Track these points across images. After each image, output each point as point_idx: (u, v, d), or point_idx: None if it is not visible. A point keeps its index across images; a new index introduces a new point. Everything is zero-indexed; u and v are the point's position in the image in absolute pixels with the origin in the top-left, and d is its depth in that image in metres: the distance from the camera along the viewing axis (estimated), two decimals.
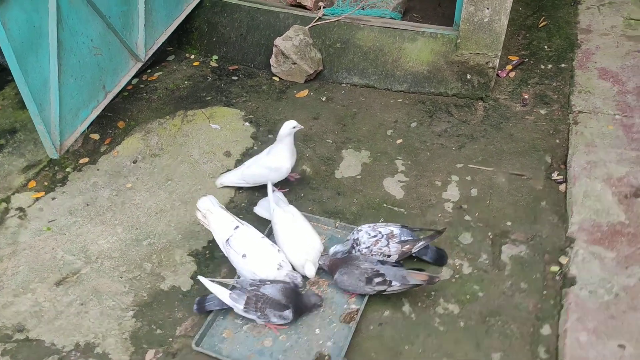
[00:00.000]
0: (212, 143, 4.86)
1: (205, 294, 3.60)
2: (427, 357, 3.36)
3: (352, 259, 3.62)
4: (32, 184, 4.54)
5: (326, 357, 3.39)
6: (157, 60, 5.78)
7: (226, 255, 3.74)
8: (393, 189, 4.38)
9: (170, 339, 3.53)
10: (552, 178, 4.34)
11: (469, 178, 4.40)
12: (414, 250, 3.72)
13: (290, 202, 4.10)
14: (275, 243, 3.81)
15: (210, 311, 3.57)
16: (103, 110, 4.95)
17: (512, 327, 3.46)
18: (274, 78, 5.51)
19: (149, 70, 5.72)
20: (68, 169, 4.65)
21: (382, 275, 3.51)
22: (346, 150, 4.72)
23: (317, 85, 5.40)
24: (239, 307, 3.44)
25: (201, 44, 5.86)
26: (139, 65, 5.10)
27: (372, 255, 3.67)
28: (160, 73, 5.69)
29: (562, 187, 4.26)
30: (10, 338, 3.51)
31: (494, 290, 3.66)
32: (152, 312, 3.66)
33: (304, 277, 3.69)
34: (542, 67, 5.38)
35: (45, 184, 4.54)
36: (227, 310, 3.65)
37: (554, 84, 5.17)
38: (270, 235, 3.95)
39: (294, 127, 4.09)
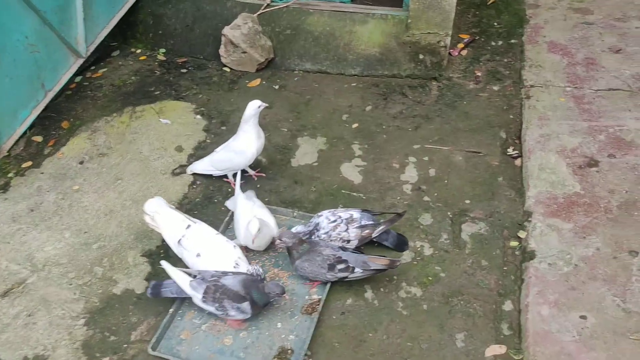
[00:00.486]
0: (162, 138, 4.69)
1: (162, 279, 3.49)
2: (391, 343, 3.29)
3: (313, 245, 3.53)
4: None
5: (289, 351, 3.29)
6: (101, 56, 5.57)
7: (179, 256, 3.61)
8: (351, 174, 4.30)
9: (125, 346, 3.38)
10: (508, 153, 4.33)
11: (426, 158, 4.35)
12: (374, 235, 3.65)
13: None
14: (235, 236, 3.70)
15: (164, 297, 3.46)
16: (45, 110, 4.73)
17: (475, 306, 3.43)
18: (225, 69, 5.36)
19: (93, 67, 5.49)
20: (10, 174, 4.41)
21: (345, 261, 3.43)
22: (302, 138, 4.62)
23: (269, 74, 5.27)
24: (197, 297, 3.31)
25: (147, 38, 5.66)
26: (80, 61, 4.88)
27: (331, 240, 3.58)
28: (105, 69, 5.47)
29: (517, 162, 4.25)
30: None
31: (455, 270, 3.62)
32: (105, 319, 3.50)
33: (261, 271, 3.57)
34: (493, 43, 5.36)
35: None
36: (184, 310, 3.52)
37: (505, 60, 5.16)
38: (227, 230, 3.82)
39: (259, 107, 3.96)
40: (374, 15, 5.12)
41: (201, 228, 3.63)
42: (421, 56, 5.01)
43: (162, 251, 3.88)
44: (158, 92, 5.14)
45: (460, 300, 3.46)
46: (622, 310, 3.17)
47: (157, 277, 3.72)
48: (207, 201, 4.16)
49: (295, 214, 3.99)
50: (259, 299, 3.31)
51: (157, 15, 5.57)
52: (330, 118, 4.76)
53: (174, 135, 4.71)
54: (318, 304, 3.48)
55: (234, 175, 4.11)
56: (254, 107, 3.96)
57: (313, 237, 3.63)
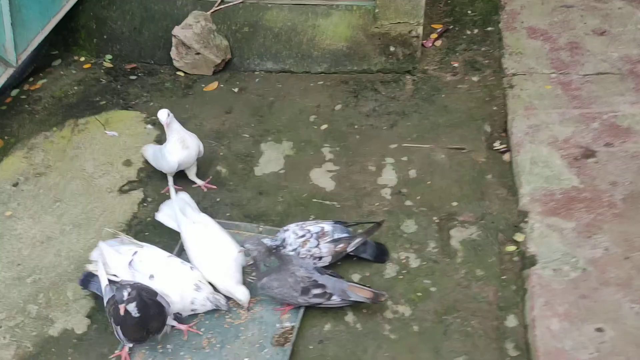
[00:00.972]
0: (109, 152, 4.16)
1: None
2: None
3: (285, 262, 3.03)
4: None
5: None
6: (40, 66, 5.00)
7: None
8: (322, 180, 3.82)
9: None
10: (494, 148, 3.90)
11: (405, 158, 3.90)
12: (349, 249, 3.17)
13: (204, 210, 3.46)
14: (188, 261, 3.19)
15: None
16: None
17: (473, 323, 2.97)
18: (178, 73, 4.85)
19: (31, 79, 4.92)
20: None
21: (322, 286, 2.95)
22: (265, 144, 4.13)
23: (227, 76, 4.78)
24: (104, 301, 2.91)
25: (90, 44, 5.11)
26: (11, 71, 4.31)
27: (300, 258, 3.09)
28: (45, 80, 4.91)
29: (506, 157, 3.82)
30: None
31: (447, 283, 3.16)
32: None
33: (227, 298, 3.06)
34: (469, 32, 4.95)
35: None
36: (133, 350, 2.98)
37: (483, 49, 4.75)
38: (183, 252, 3.31)
39: (168, 116, 3.52)
40: (338, 6, 4.68)
41: (151, 251, 3.12)
42: (392, 48, 4.57)
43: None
44: (104, 102, 4.61)
45: (456, 318, 3.00)
46: None
47: (102, 312, 3.17)
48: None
49: (261, 228, 3.49)
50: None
51: (100, 18, 5.04)
52: (297, 120, 4.29)
53: (122, 149, 4.17)
54: (291, 333, 2.98)
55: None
56: (161, 117, 3.53)
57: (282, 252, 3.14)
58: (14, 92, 4.78)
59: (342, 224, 3.26)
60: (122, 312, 2.67)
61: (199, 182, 3.80)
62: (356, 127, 4.19)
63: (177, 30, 4.66)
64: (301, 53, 4.71)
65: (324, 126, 4.22)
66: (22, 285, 3.35)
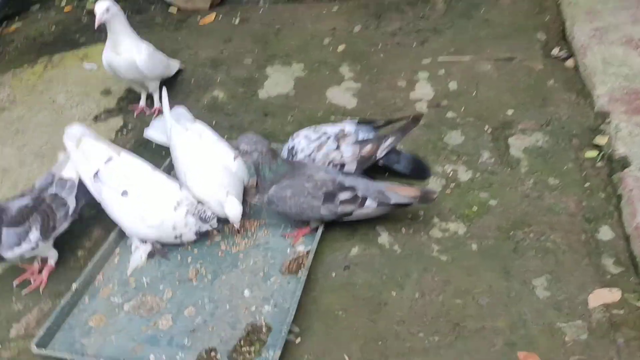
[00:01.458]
0: (85, 84, 3.49)
1: None
2: (429, 302, 2.04)
3: (297, 166, 2.29)
4: None
5: (263, 330, 2.00)
6: (16, 11, 4.41)
7: (97, 199, 2.35)
8: (341, 98, 3.11)
9: (0, 346, 2.08)
10: (553, 55, 3.18)
11: (442, 72, 3.18)
12: (379, 154, 2.43)
13: None
14: (176, 176, 2.48)
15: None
16: None
17: (553, 238, 2.19)
18: (171, 10, 4.21)
19: (5, 23, 4.32)
20: None
21: (351, 189, 2.20)
22: (271, 67, 3.44)
23: (226, 9, 4.13)
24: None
25: None
26: None
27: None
28: (20, 24, 4.30)
29: (569, 63, 3.09)
30: None
31: (511, 195, 2.40)
32: None
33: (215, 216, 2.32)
34: None
35: None
36: (97, 285, 2.24)
37: None
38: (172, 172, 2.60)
39: (107, 11, 2.81)
40: None
41: (130, 160, 2.39)
42: None
43: None
44: (84, 39, 3.98)
45: (528, 234, 2.22)
46: None
47: (60, 245, 2.44)
48: (141, 148, 2.93)
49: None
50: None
51: None
52: (308, 44, 3.61)
53: (100, 80, 3.51)
54: (306, 257, 2.21)
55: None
56: (97, 10, 2.81)
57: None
58: None
59: (367, 123, 2.53)
60: None
61: (156, 104, 3.15)
62: (379, 46, 3.49)
63: None
64: None
65: (341, 47, 3.53)
66: None
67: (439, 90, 3.05)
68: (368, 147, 2.41)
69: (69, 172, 2.38)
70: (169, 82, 3.36)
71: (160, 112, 3.12)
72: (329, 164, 2.39)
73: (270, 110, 3.10)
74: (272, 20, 3.93)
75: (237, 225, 2.29)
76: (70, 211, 2.32)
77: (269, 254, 2.28)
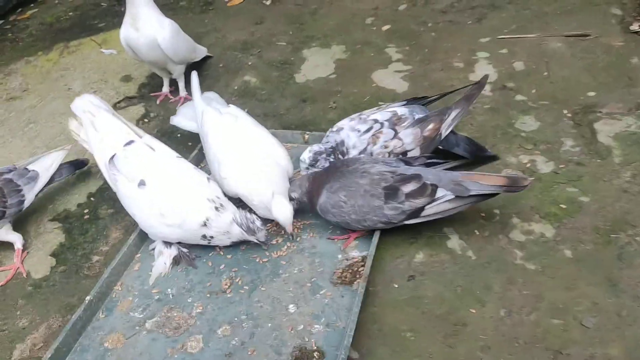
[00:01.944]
0: (103, 70, 3.18)
1: None
2: (518, 322, 1.65)
3: (347, 163, 1.92)
4: None
5: (315, 355, 1.63)
6: None
7: (112, 187, 2.02)
8: (390, 81, 2.74)
9: None
10: (633, 30, 2.75)
11: (504, 51, 2.78)
12: (444, 131, 2.05)
13: None
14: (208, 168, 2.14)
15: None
16: None
17: None
18: None
19: (20, 10, 4.04)
20: None
21: (416, 177, 1.83)
22: (309, 50, 3.08)
23: None
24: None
25: None
26: None
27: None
28: (36, 10, 4.02)
29: None
30: None
31: (606, 190, 1.99)
32: None
33: (264, 220, 1.95)
34: None
35: None
36: (115, 297, 1.90)
37: None
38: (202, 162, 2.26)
39: None
40: None
41: (153, 145, 2.05)
42: None
43: (86, 211, 2.29)
44: (103, 24, 3.68)
45: (634, 236, 1.82)
46: None
47: (72, 250, 2.12)
48: (164, 138, 2.59)
49: (307, 136, 2.41)
50: None
51: None
52: (349, 24, 3.24)
53: (120, 66, 3.19)
54: (362, 266, 1.84)
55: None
56: None
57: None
58: None
59: (418, 101, 2.16)
60: None
61: (182, 92, 2.80)
62: (430, 25, 3.10)
63: None
64: None
65: (386, 27, 3.15)
66: None
67: (503, 71, 2.66)
68: (430, 126, 2.03)
69: (36, 166, 2.21)
70: (195, 67, 3.02)
71: (185, 100, 2.78)
72: (389, 155, 2.02)
73: (309, 95, 2.73)
74: (306, 1, 3.56)
75: (289, 229, 1.92)
76: (26, 202, 2.12)
77: (317, 261, 1.92)
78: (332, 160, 2.07)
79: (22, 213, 2.19)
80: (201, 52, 2.98)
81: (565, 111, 2.36)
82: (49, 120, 2.84)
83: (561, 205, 1.96)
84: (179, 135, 2.62)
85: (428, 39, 2.99)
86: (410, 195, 1.80)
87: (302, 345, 1.66)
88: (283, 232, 1.99)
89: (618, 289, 1.68)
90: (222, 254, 2.00)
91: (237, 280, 1.89)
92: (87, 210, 2.29)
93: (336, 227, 2.00)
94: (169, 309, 1.83)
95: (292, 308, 1.78)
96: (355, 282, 1.81)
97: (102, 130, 2.05)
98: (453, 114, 2.02)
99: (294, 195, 1.96)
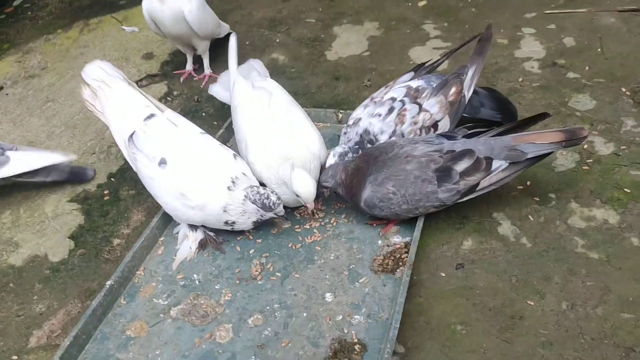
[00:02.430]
0: (124, 47, 3.05)
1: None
2: (582, 316, 1.48)
3: (385, 150, 1.75)
4: None
5: (356, 348, 1.48)
6: None
7: (133, 167, 1.88)
8: (428, 58, 2.54)
9: (15, 357, 1.63)
10: None
11: (552, 27, 2.60)
12: (467, 92, 1.90)
13: None
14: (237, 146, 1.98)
15: None
16: None
17: None
18: None
19: None
20: None
21: (469, 153, 1.66)
22: (340, 27, 2.91)
23: None
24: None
25: None
26: None
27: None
28: None
29: None
30: None
31: None
32: None
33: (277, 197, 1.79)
34: None
35: None
36: (138, 283, 1.76)
37: None
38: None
39: None
40: None
41: (175, 119, 1.90)
42: None
43: (106, 191, 2.15)
44: (124, 1, 3.56)
45: None
46: None
47: (92, 232, 1.99)
48: (189, 116, 2.43)
49: (340, 114, 2.24)
50: None
51: None
52: (382, 0, 3.05)
53: (142, 43, 3.06)
54: (406, 252, 1.68)
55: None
56: None
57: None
58: (17, 2, 3.78)
59: (422, 67, 2.01)
60: None
61: (206, 70, 2.65)
62: (469, 0, 2.91)
63: None
64: None
65: (422, 3, 2.98)
66: None
67: (552, 48, 2.47)
68: (453, 89, 1.87)
69: (23, 155, 2.09)
70: (221, 45, 2.87)
71: (210, 79, 2.64)
72: (420, 132, 1.85)
73: (342, 73, 2.57)
74: None
75: (310, 207, 1.77)
76: None
77: (355, 247, 1.76)
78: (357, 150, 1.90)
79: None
80: (225, 28, 2.83)
81: (623, 89, 2.17)
82: (68, 99, 2.72)
83: (625, 190, 1.78)
84: (203, 114, 2.48)
85: (468, 15, 2.82)
86: (464, 174, 1.64)
87: (342, 337, 1.51)
88: (305, 214, 1.82)
89: None
90: (251, 238, 1.85)
91: (268, 267, 1.74)
92: (107, 191, 2.15)
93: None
94: (196, 296, 1.69)
95: (329, 297, 1.62)
96: (398, 270, 1.65)
97: (119, 104, 1.91)
98: (470, 72, 1.88)
99: (327, 184, 1.80)
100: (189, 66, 2.74)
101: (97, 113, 2.02)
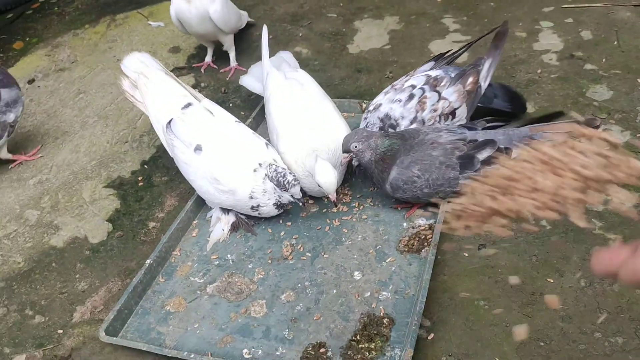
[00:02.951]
0: (151, 42, 3.15)
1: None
2: (603, 292, 1.55)
3: (413, 135, 1.83)
4: None
5: (384, 321, 1.56)
6: None
7: (170, 152, 1.98)
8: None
9: (60, 332, 1.73)
10: None
11: (570, 20, 2.66)
12: (484, 83, 2.00)
13: None
14: (268, 134, 2.08)
15: None
16: None
17: None
18: None
19: None
20: None
21: (491, 143, 1.75)
22: (361, 21, 2.99)
23: None
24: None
25: None
26: None
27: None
28: None
29: None
30: None
31: None
32: (29, 287, 1.88)
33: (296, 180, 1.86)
34: None
35: None
36: (175, 261, 1.86)
37: None
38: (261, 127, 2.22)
39: None
40: None
41: (211, 108, 2.00)
42: None
43: (141, 177, 2.26)
44: None
45: None
46: None
47: (128, 215, 2.09)
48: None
49: (364, 103, 2.34)
50: None
51: None
52: None
53: (168, 37, 3.16)
54: (430, 234, 1.77)
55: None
56: None
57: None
58: None
59: (441, 58, 2.09)
60: None
61: (232, 62, 2.75)
62: None
63: None
64: None
65: None
66: (22, 188, 2.31)
67: (570, 41, 2.54)
68: (470, 79, 1.96)
69: None
70: (246, 38, 2.98)
71: (237, 71, 2.73)
72: (439, 117, 1.94)
73: (364, 65, 2.66)
74: None
75: (332, 197, 1.85)
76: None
77: (381, 229, 1.85)
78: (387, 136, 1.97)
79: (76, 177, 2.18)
80: (245, 17, 2.93)
81: (639, 80, 2.23)
82: (99, 91, 2.82)
83: None
84: (230, 104, 2.57)
85: (487, 9, 2.88)
86: (485, 162, 1.72)
87: (370, 312, 1.60)
88: (333, 201, 1.90)
89: None
90: (281, 222, 1.94)
91: (298, 247, 1.83)
92: (141, 178, 2.25)
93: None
94: (230, 274, 1.78)
95: (357, 275, 1.71)
96: (423, 250, 1.74)
97: (157, 93, 2.01)
98: (487, 64, 1.97)
99: (357, 146, 1.80)
100: (208, 58, 2.83)
101: (137, 103, 2.12)
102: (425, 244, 1.75)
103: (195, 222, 2.01)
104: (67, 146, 2.50)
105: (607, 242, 1.68)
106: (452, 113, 1.95)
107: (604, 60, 2.37)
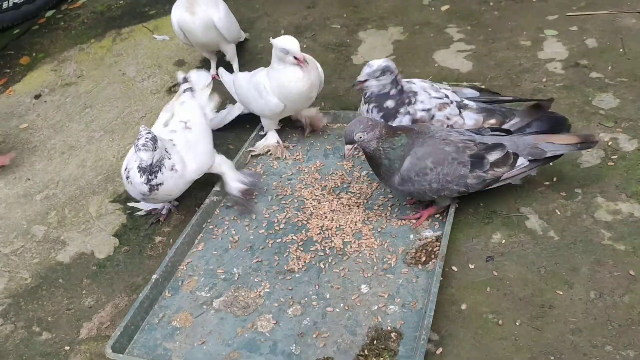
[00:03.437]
0: (156, 56, 3.16)
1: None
2: (613, 304, 1.53)
3: (422, 129, 1.82)
4: None
5: (392, 335, 1.55)
6: None
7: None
8: (453, 61, 2.63)
9: (67, 348, 1.72)
10: None
11: (574, 28, 2.65)
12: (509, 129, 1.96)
13: None
14: None
15: None
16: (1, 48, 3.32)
17: None
18: None
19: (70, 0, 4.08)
20: None
21: (500, 146, 1.76)
22: (365, 32, 2.99)
23: None
24: None
25: None
26: None
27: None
28: None
29: None
30: None
31: None
32: (36, 304, 1.89)
33: None
34: None
35: None
36: (180, 276, 1.85)
37: None
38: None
39: None
40: None
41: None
42: None
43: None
44: (154, 12, 3.66)
45: None
46: None
47: (135, 230, 2.09)
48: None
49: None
50: None
51: None
52: (406, 5, 3.15)
53: (173, 51, 3.17)
54: (437, 246, 1.76)
55: None
56: None
57: (403, 109, 1.96)
58: (49, 13, 3.93)
59: (491, 95, 2.08)
60: None
61: (237, 71, 2.76)
62: (491, 4, 2.99)
63: None
64: None
65: (445, 7, 3.05)
66: (29, 204, 2.32)
67: (574, 49, 2.53)
68: (492, 121, 1.97)
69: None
70: (249, 51, 2.99)
71: None
72: (448, 126, 1.94)
73: None
74: None
75: (300, 57, 2.08)
76: None
77: (387, 241, 1.83)
78: (393, 92, 1.95)
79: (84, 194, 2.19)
80: (242, 32, 2.95)
81: None
82: (105, 105, 2.83)
83: None
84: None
85: (491, 18, 2.88)
86: (494, 164, 1.73)
87: (378, 326, 1.58)
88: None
89: None
90: (289, 239, 1.94)
91: (304, 261, 1.82)
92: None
93: (405, 208, 1.93)
94: (236, 289, 1.78)
95: (364, 288, 1.70)
96: (430, 262, 1.73)
97: None
98: (514, 120, 1.95)
99: (362, 136, 1.73)
100: (212, 71, 2.84)
101: None
102: (433, 256, 1.74)
103: (201, 235, 2.00)
104: (74, 161, 2.51)
105: (616, 252, 1.66)
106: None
107: (609, 68, 2.36)
